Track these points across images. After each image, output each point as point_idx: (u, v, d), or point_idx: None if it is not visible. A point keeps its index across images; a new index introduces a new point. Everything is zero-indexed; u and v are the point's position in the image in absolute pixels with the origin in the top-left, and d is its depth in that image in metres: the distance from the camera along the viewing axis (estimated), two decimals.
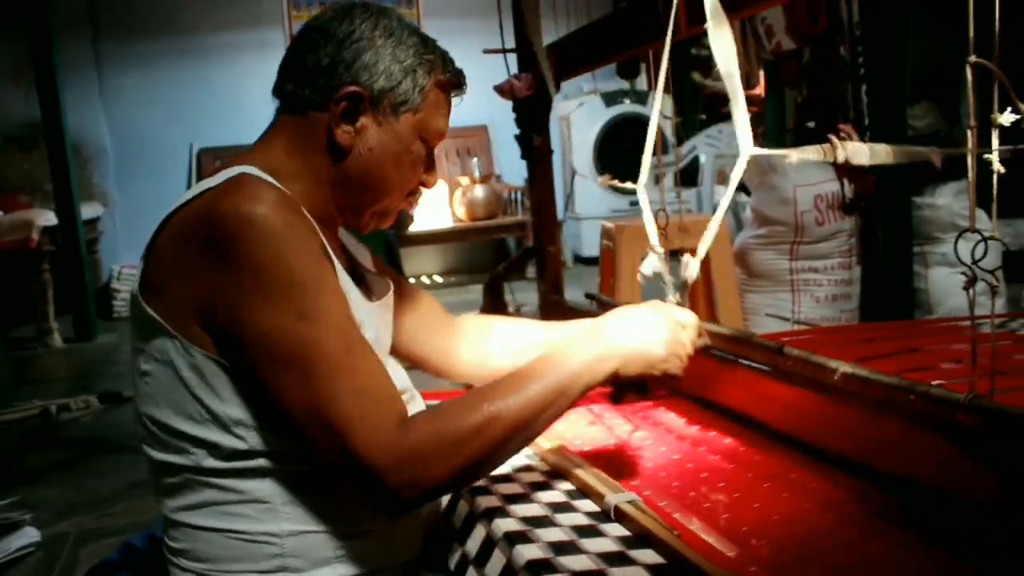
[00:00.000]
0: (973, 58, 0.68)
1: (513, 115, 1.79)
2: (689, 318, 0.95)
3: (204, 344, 0.80)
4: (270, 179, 0.84)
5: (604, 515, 0.85)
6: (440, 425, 0.78)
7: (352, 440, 0.75)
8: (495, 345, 1.13)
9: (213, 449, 0.82)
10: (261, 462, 0.83)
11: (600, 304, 1.30)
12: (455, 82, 0.94)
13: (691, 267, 1.04)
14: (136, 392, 0.87)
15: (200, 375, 0.81)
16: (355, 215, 0.94)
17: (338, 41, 0.88)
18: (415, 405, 0.98)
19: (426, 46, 0.92)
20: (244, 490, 0.83)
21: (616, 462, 1.00)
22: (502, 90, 1.69)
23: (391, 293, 1.02)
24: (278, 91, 0.92)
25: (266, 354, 0.77)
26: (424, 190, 0.97)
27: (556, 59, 1.64)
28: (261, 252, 0.76)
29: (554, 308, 1.74)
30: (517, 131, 1.80)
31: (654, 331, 0.90)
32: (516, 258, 2.08)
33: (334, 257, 0.87)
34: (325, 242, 0.85)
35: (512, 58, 1.78)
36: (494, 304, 2.08)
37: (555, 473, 0.98)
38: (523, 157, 1.81)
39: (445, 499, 0.96)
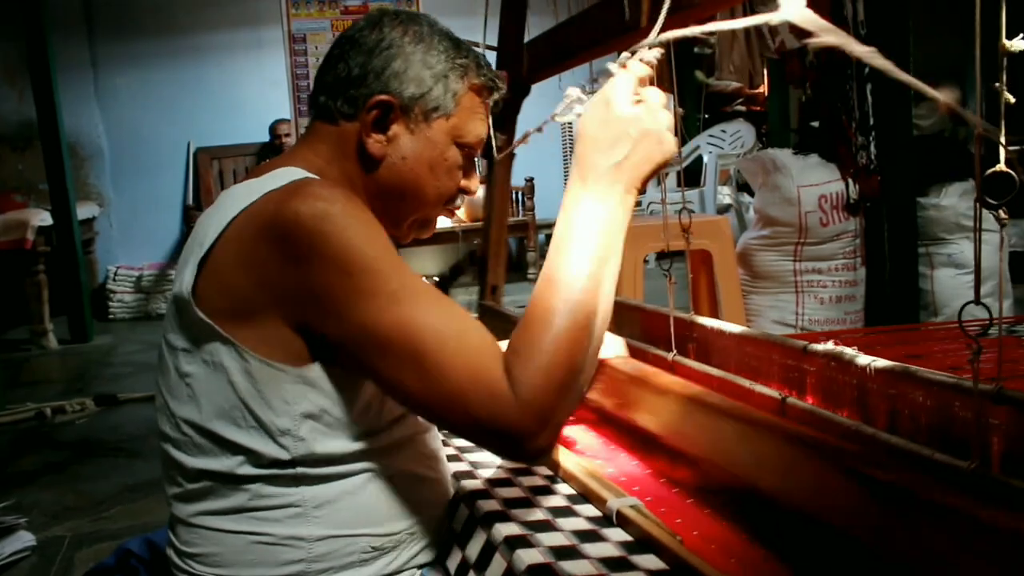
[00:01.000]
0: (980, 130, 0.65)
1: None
2: (652, 95, 0.79)
3: (268, 350, 0.79)
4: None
5: (606, 519, 0.85)
6: (536, 351, 0.73)
7: (472, 407, 0.73)
8: None
9: (253, 456, 0.81)
10: (299, 470, 0.82)
11: None
12: (490, 85, 0.93)
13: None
14: (173, 395, 0.84)
15: (253, 381, 0.79)
16: (394, 224, 0.93)
17: (367, 51, 0.88)
18: None
19: (458, 50, 0.91)
20: (275, 495, 0.82)
21: (617, 468, 0.99)
22: None
23: None
24: (313, 103, 0.92)
25: (366, 346, 0.76)
26: (466, 196, 0.96)
27: (529, 59, 1.60)
28: (340, 245, 0.75)
29: (487, 314, 1.70)
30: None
31: (634, 126, 0.77)
32: (463, 261, 2.02)
33: None
34: None
35: (491, 56, 1.74)
36: None
37: (556, 478, 0.97)
38: (483, 155, 1.78)
39: None
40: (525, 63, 1.59)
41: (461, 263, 2.02)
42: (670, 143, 0.79)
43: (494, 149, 1.70)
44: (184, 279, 0.81)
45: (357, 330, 0.75)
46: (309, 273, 0.75)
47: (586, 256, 0.75)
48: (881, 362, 0.82)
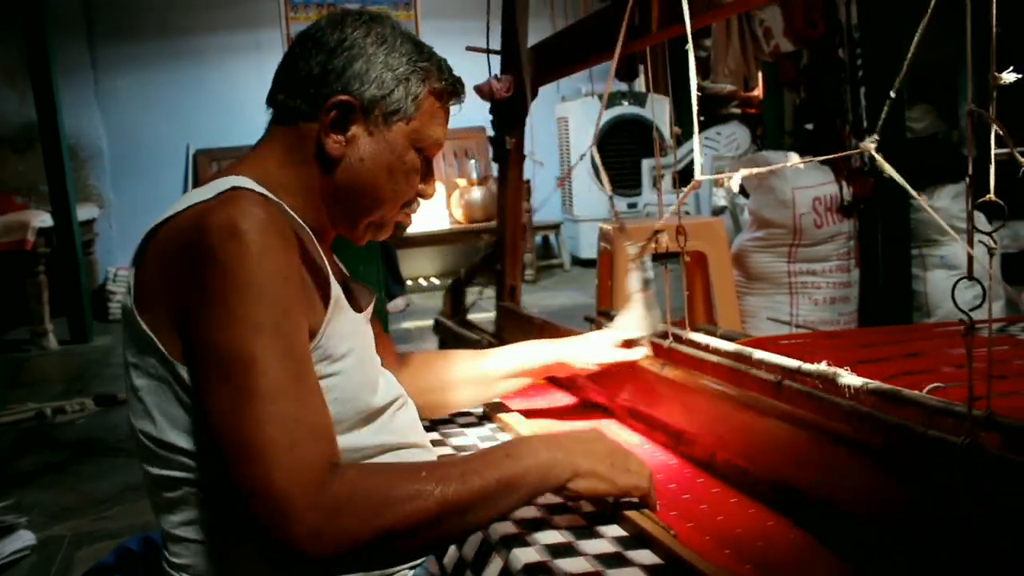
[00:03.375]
0: (971, 106, 0.67)
1: (490, 117, 1.76)
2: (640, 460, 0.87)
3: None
4: (264, 192, 0.82)
5: (601, 516, 0.85)
6: (373, 482, 0.72)
7: (273, 468, 0.68)
8: (432, 380, 1.14)
9: (207, 463, 0.79)
10: None
11: (611, 320, 1.29)
12: (452, 90, 0.92)
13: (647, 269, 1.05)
14: (131, 408, 0.83)
15: (187, 390, 0.77)
16: (349, 226, 0.93)
17: (329, 50, 0.87)
18: (407, 410, 0.97)
19: (421, 53, 0.90)
20: None
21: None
22: (481, 91, 1.67)
23: (374, 303, 1.01)
24: (271, 101, 0.91)
25: (208, 359, 0.73)
26: (422, 200, 0.95)
27: (535, 63, 1.62)
28: (235, 262, 0.73)
29: (507, 315, 1.71)
30: (491, 133, 1.77)
31: (606, 449, 0.84)
32: (479, 262, 2.03)
33: (328, 267, 0.86)
34: (317, 260, 0.84)
35: (496, 60, 1.75)
36: (454, 307, 2.03)
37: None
38: (494, 159, 1.79)
39: None
40: (532, 66, 1.60)
41: (476, 265, 2.03)
42: (635, 481, 0.83)
43: (510, 151, 1.71)
44: (129, 287, 0.81)
45: (206, 338, 0.73)
46: (197, 279, 0.74)
47: (497, 478, 0.76)
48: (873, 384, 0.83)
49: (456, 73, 0.94)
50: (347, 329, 0.85)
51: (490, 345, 1.68)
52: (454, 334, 1.90)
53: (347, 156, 0.87)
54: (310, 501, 0.68)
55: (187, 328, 0.75)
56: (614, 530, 0.82)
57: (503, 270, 1.78)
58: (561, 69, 1.53)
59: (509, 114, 1.68)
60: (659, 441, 1.08)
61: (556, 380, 1.37)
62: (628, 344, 1.15)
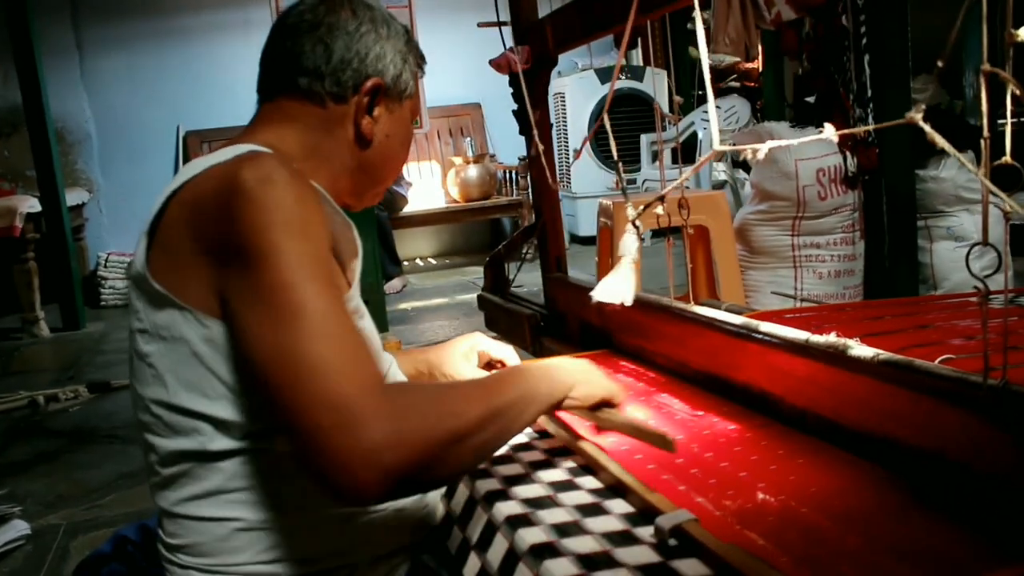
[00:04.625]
0: (987, 66, 0.63)
1: (510, 90, 1.74)
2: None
3: (221, 314, 0.77)
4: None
5: (609, 491, 0.84)
6: (428, 391, 0.77)
7: (340, 377, 0.67)
8: None
9: (223, 427, 0.79)
10: (269, 444, 0.80)
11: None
12: (421, 64, 1.03)
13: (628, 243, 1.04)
14: (137, 378, 0.83)
15: (215, 347, 0.78)
16: (360, 195, 0.99)
17: (348, 33, 0.92)
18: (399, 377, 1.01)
19: (405, 33, 0.99)
20: (249, 475, 0.81)
21: (618, 438, 0.97)
22: (499, 64, 1.63)
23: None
24: (285, 81, 0.92)
25: (258, 293, 0.72)
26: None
27: (553, 31, 1.58)
28: (276, 202, 0.74)
29: (558, 286, 1.69)
30: (514, 107, 1.74)
31: (580, 367, 0.95)
32: (517, 236, 2.01)
33: (346, 222, 0.91)
34: (338, 216, 0.89)
35: (508, 32, 1.71)
36: (495, 283, 2.02)
37: (556, 450, 0.97)
38: (521, 132, 1.76)
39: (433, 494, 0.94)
40: (550, 35, 1.57)
41: (516, 237, 2.03)
42: (614, 390, 0.96)
43: (531, 122, 1.68)
44: (138, 252, 0.82)
45: (257, 277, 0.72)
46: (236, 222, 0.74)
47: (511, 398, 0.81)
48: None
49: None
50: (354, 304, 0.88)
51: (543, 318, 1.71)
52: (503, 310, 1.88)
53: (376, 134, 0.95)
54: (380, 407, 0.66)
55: (226, 273, 0.75)
56: (621, 506, 0.81)
57: (546, 241, 1.75)
58: (583, 36, 1.49)
59: (530, 86, 1.65)
60: (722, 409, 1.05)
61: (611, 349, 1.36)
62: (490, 365, 1.16)
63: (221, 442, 0.80)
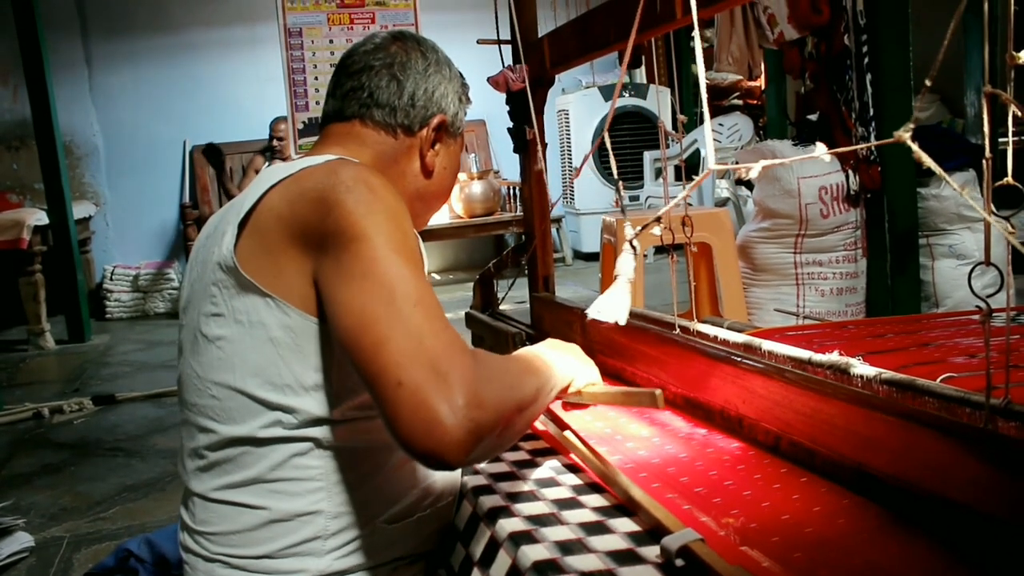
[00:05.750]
0: (988, 87, 0.64)
1: (507, 108, 1.76)
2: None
3: (303, 305, 0.82)
4: None
5: (615, 510, 0.84)
6: (500, 361, 0.84)
7: (432, 341, 0.72)
8: None
9: (286, 414, 0.83)
10: (326, 434, 0.84)
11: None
12: (466, 102, 1.09)
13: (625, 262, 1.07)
14: (201, 361, 0.87)
15: (292, 335, 0.82)
16: (415, 219, 1.03)
17: (417, 73, 1.01)
18: None
19: (460, 75, 1.07)
20: (298, 466, 0.84)
21: (624, 456, 0.97)
22: (496, 82, 1.65)
23: None
24: (361, 110, 1.00)
25: (356, 270, 0.77)
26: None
27: (550, 50, 1.59)
28: (374, 195, 0.80)
29: (544, 306, 1.69)
30: (511, 124, 1.76)
31: (578, 352, 1.13)
32: (507, 253, 2.01)
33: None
34: None
35: (507, 51, 1.73)
36: (484, 300, 2.02)
37: (560, 468, 0.97)
38: (516, 151, 1.78)
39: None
40: (547, 55, 1.58)
41: (507, 255, 2.03)
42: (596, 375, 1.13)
43: (530, 141, 1.69)
44: (224, 243, 0.85)
45: (357, 260, 0.77)
46: (337, 209, 0.79)
47: (546, 379, 0.93)
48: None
49: (462, 65, 1.10)
50: None
51: (528, 337, 1.68)
52: (489, 327, 1.88)
53: (436, 165, 1.03)
54: (468, 370, 0.72)
55: (322, 258, 0.79)
56: (626, 524, 0.80)
57: (535, 260, 1.76)
58: (579, 56, 1.50)
59: (526, 104, 1.66)
60: (719, 428, 1.05)
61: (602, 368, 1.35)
62: None
63: (278, 430, 0.83)
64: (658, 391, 0.89)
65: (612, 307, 1.10)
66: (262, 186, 0.86)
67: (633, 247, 1.09)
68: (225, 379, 0.84)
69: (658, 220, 1.09)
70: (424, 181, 1.03)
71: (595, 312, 1.10)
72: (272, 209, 0.84)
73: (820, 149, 0.79)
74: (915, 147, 0.74)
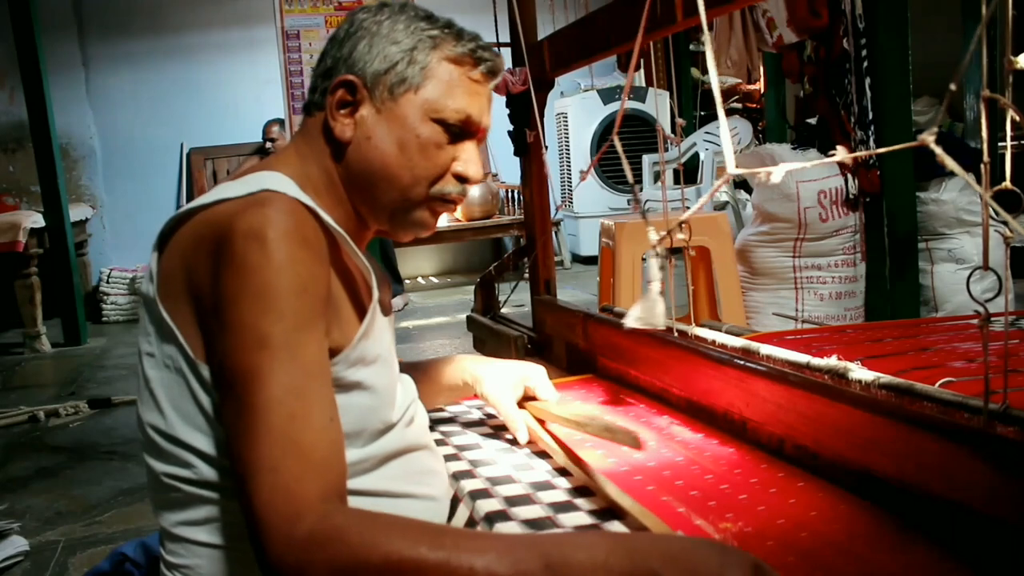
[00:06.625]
0: (987, 92, 0.64)
1: (507, 111, 1.75)
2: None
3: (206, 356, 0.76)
4: (299, 194, 0.78)
5: (609, 512, 0.83)
6: (365, 534, 0.62)
7: (256, 488, 0.65)
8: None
9: (217, 462, 0.77)
10: None
11: (616, 316, 1.26)
12: (476, 56, 0.87)
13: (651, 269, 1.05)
14: (140, 399, 0.81)
15: (206, 388, 0.75)
16: (377, 218, 0.88)
17: (339, 40, 0.87)
18: (418, 415, 0.94)
19: (433, 23, 0.87)
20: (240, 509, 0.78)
21: (619, 459, 0.96)
22: (496, 86, 1.65)
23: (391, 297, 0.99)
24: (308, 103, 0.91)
25: (220, 364, 0.72)
26: (466, 184, 0.89)
27: (550, 53, 1.59)
28: (253, 270, 0.70)
29: (546, 308, 1.69)
30: (510, 127, 1.76)
31: (700, 541, 0.64)
32: (508, 257, 2.01)
33: (362, 268, 0.84)
34: (352, 267, 0.83)
35: (507, 53, 1.73)
36: (485, 304, 2.02)
37: (555, 471, 0.97)
38: (516, 154, 1.77)
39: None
40: (547, 58, 1.58)
41: (507, 259, 2.03)
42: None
43: (532, 144, 1.69)
44: (149, 273, 0.80)
45: (220, 347, 0.71)
46: (216, 280, 0.72)
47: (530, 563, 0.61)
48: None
49: (486, 44, 0.89)
50: (376, 334, 0.83)
51: (530, 341, 1.67)
52: (491, 331, 1.87)
53: (356, 137, 0.85)
54: (283, 531, 0.63)
55: (206, 327, 0.74)
56: (620, 528, 0.80)
57: (537, 263, 1.75)
58: (579, 59, 1.50)
59: (526, 108, 1.65)
60: (721, 431, 1.04)
61: (596, 373, 1.35)
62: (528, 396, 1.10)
63: (215, 475, 0.77)
64: (638, 436, 0.85)
65: (647, 314, 1.09)
66: (182, 209, 0.79)
67: (658, 253, 1.08)
68: (157, 423, 0.78)
69: (679, 226, 1.08)
70: (340, 161, 0.85)
71: (632, 321, 1.08)
72: (179, 249, 0.77)
73: (841, 153, 0.78)
74: (939, 151, 0.73)
